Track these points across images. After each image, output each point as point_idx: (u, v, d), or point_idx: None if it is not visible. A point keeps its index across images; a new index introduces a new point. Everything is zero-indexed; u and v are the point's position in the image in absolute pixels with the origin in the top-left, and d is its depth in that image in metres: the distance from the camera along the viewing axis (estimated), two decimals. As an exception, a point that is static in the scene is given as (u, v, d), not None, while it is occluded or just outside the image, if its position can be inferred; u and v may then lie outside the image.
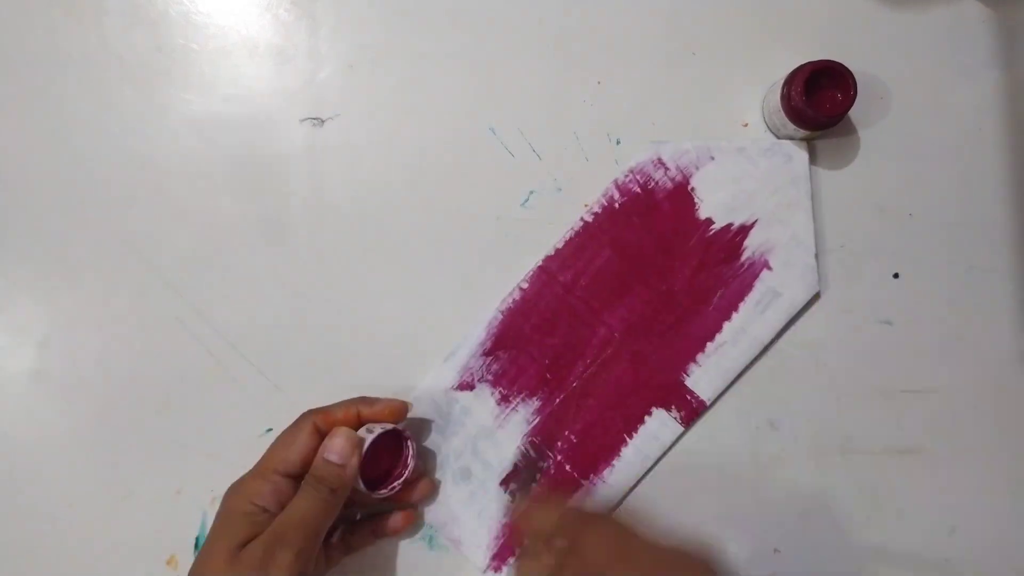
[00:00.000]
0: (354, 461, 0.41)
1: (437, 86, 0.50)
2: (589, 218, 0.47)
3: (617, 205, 0.47)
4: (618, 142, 0.50)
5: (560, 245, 0.47)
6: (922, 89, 0.49)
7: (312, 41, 0.50)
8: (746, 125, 0.49)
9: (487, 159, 0.49)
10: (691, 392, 0.46)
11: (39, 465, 0.49)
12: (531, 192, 0.49)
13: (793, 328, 0.49)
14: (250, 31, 0.50)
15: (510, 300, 0.47)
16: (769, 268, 0.46)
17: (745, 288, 0.46)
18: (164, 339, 0.48)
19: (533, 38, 0.50)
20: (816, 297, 0.48)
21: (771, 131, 0.49)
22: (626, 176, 0.47)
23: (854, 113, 0.47)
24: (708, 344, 0.46)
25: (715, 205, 0.47)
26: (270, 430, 0.48)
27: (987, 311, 0.49)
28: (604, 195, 0.47)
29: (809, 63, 0.45)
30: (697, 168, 0.47)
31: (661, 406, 0.46)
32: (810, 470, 0.48)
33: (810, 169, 0.48)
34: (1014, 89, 0.50)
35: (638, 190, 0.46)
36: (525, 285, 0.47)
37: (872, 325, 0.49)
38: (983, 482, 0.48)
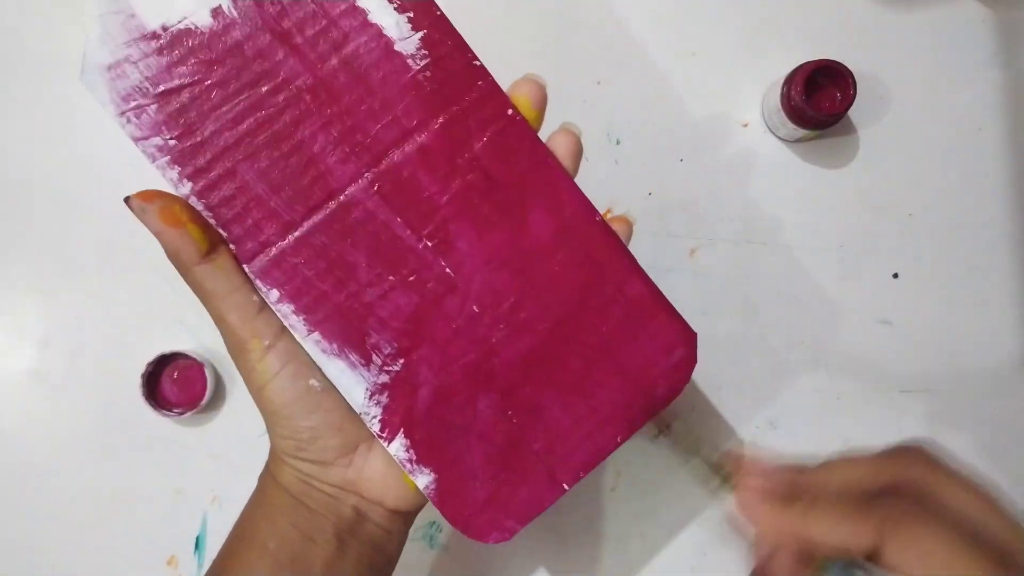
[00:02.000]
0: None
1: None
2: (186, 188, 0.31)
3: (173, 141, 0.31)
4: (618, 142, 0.50)
5: (227, 234, 0.31)
6: (922, 89, 0.49)
7: (312, 41, 0.50)
8: (746, 125, 0.49)
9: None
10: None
11: (39, 465, 0.49)
12: (531, 192, 0.49)
13: (793, 328, 0.49)
14: (250, 31, 0.50)
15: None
16: None
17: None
18: (164, 339, 0.48)
19: (532, 37, 0.50)
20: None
21: (771, 130, 0.49)
22: (129, 122, 0.30)
23: (854, 113, 0.47)
24: (396, 47, 0.31)
25: None
26: (270, 430, 0.48)
27: (987, 311, 0.49)
28: (152, 159, 0.31)
29: (809, 62, 0.45)
30: (134, 14, 0.30)
31: None
32: (810, 470, 0.48)
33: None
34: (1014, 89, 0.50)
35: (154, 106, 0.30)
36: (276, 292, 0.31)
37: (872, 325, 0.49)
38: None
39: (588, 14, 0.50)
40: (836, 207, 0.49)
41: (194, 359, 0.47)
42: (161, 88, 0.30)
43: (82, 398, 0.49)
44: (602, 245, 0.33)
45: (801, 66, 0.45)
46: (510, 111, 0.32)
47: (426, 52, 0.31)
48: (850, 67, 0.45)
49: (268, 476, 0.33)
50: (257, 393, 0.31)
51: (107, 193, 0.50)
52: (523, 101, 0.32)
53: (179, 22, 0.30)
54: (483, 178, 0.32)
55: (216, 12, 0.30)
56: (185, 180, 0.31)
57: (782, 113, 0.46)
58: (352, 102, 0.31)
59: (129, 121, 0.30)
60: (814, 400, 0.48)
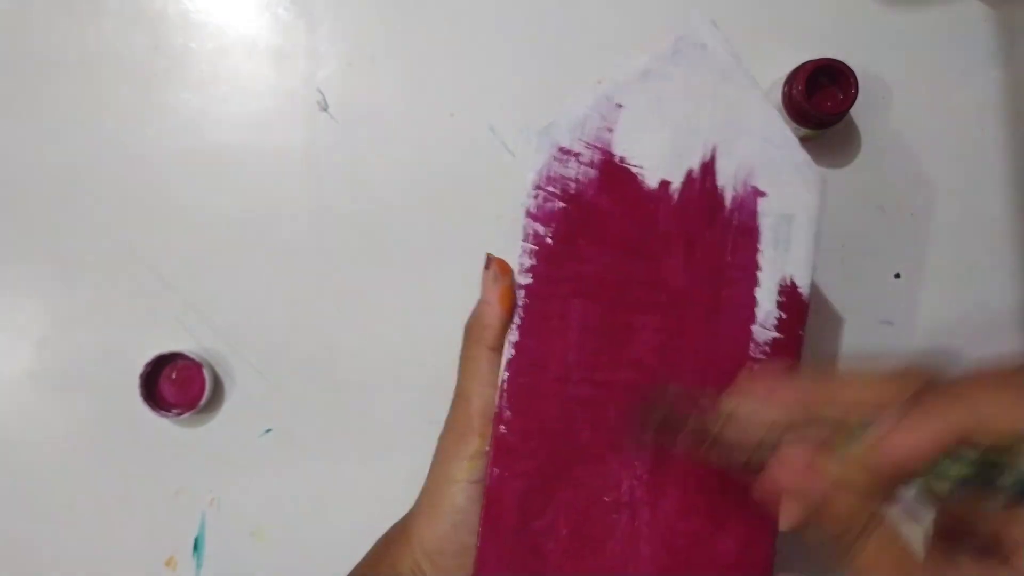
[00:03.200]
0: None
1: (436, 85, 0.50)
2: (526, 280, 0.32)
3: (549, 240, 0.32)
4: (618, 141, 0.49)
5: (516, 338, 0.32)
6: (923, 88, 0.49)
7: (311, 40, 0.50)
8: (747, 124, 0.49)
9: (487, 158, 0.49)
10: None
11: (39, 465, 0.49)
12: (531, 191, 0.49)
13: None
14: (248, 30, 0.50)
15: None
16: (762, 194, 0.34)
17: (752, 234, 0.33)
18: (163, 339, 0.48)
19: (533, 36, 0.50)
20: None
21: (772, 130, 0.49)
22: (536, 197, 0.32)
23: (855, 112, 0.47)
24: (753, 327, 0.34)
25: (657, 161, 0.33)
26: (269, 430, 0.48)
27: (987, 311, 0.49)
28: (525, 238, 0.32)
29: (810, 61, 0.45)
30: (611, 130, 0.33)
31: None
32: (811, 470, 0.48)
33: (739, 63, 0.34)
34: (1015, 88, 0.49)
35: (562, 204, 0.32)
36: (509, 413, 0.32)
37: (873, 325, 0.49)
38: (984, 482, 0.48)
39: (588, 13, 0.50)
40: (837, 206, 0.49)
41: (193, 359, 0.46)
42: (576, 198, 0.32)
43: (80, 399, 0.49)
44: None
45: (802, 65, 0.45)
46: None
47: (767, 350, 0.34)
48: (852, 66, 0.44)
49: (387, 566, 0.34)
50: (445, 484, 0.32)
51: (106, 193, 0.50)
52: None
53: (634, 165, 0.32)
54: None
55: (663, 184, 0.33)
56: (529, 274, 0.32)
57: (784, 112, 0.46)
58: (688, 333, 0.33)
59: (536, 198, 0.32)
60: (815, 400, 0.48)
